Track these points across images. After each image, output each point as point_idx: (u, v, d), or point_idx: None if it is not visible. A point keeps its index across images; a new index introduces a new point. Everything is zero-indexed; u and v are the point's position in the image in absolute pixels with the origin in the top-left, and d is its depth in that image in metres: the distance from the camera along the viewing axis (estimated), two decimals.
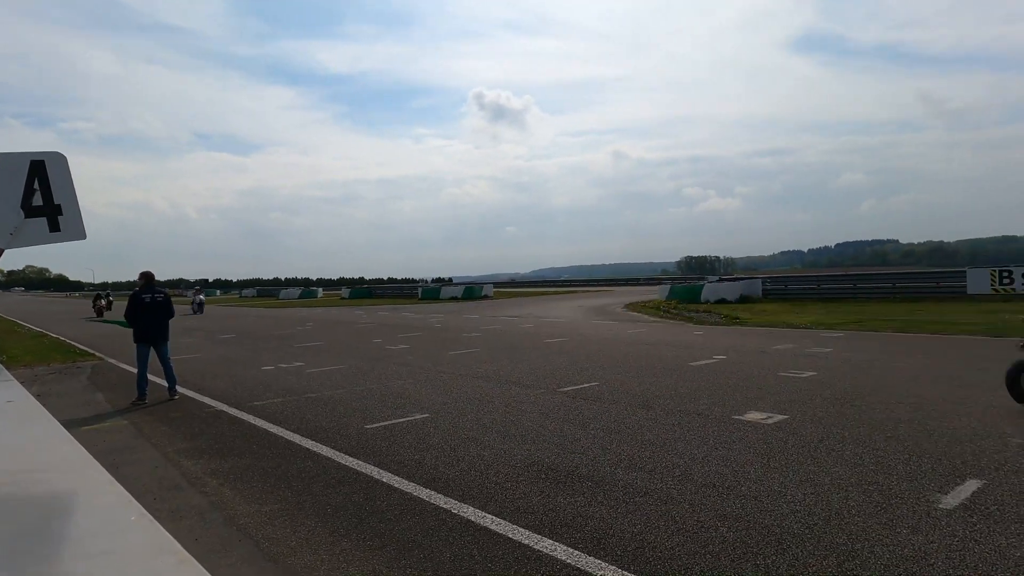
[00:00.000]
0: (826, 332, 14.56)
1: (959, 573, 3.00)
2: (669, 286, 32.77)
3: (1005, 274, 23.10)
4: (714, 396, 7.36)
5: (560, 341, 14.39)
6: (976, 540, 3.34)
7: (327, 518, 4.02)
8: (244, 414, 7.34)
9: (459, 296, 44.67)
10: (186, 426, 6.93)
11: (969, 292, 23.27)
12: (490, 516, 3.92)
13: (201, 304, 34.04)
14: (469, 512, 4.00)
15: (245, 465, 5.30)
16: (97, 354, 14.22)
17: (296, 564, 3.39)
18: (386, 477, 4.77)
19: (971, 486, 4.12)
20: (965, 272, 24.54)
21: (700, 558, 3.26)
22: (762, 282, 29.86)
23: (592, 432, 5.91)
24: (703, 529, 3.61)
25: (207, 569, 0.99)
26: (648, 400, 7.25)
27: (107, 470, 1.50)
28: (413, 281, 79.20)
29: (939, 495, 3.99)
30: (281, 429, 6.48)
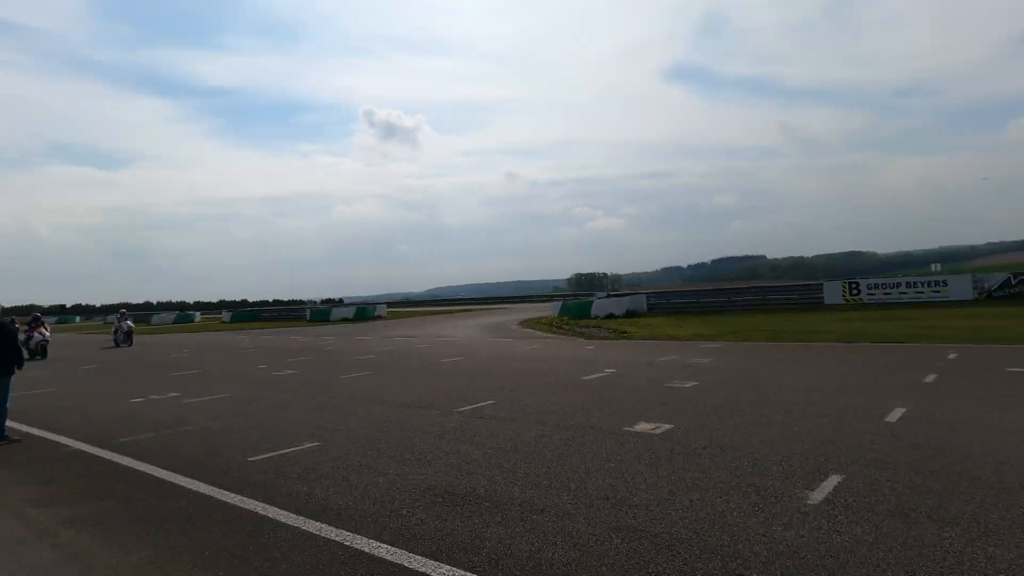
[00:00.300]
0: (705, 343, 15.52)
1: (825, 563, 3.26)
2: (561, 303, 33.70)
3: (854, 286, 25.89)
4: (605, 409, 7.59)
5: (456, 360, 14.31)
6: (838, 531, 3.64)
7: (206, 562, 3.69)
8: (108, 452, 6.64)
9: (351, 317, 43.34)
10: (34, 471, 6.16)
11: (826, 302, 25.81)
12: (384, 545, 3.77)
13: (129, 333, 25.90)
14: (362, 543, 3.83)
15: (108, 509, 4.78)
16: None
17: None
18: (272, 512, 4.47)
19: (832, 481, 4.51)
20: (822, 285, 27.21)
21: (596, 571, 3.31)
22: (647, 297, 31.44)
23: (489, 451, 5.89)
24: (599, 542, 3.68)
25: None
26: (543, 416, 7.35)
27: None
28: (301, 303, 75.80)
29: (807, 491, 4.33)
30: (152, 467, 5.91)
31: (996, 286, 23.47)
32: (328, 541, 3.90)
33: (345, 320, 42.24)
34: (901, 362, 10.53)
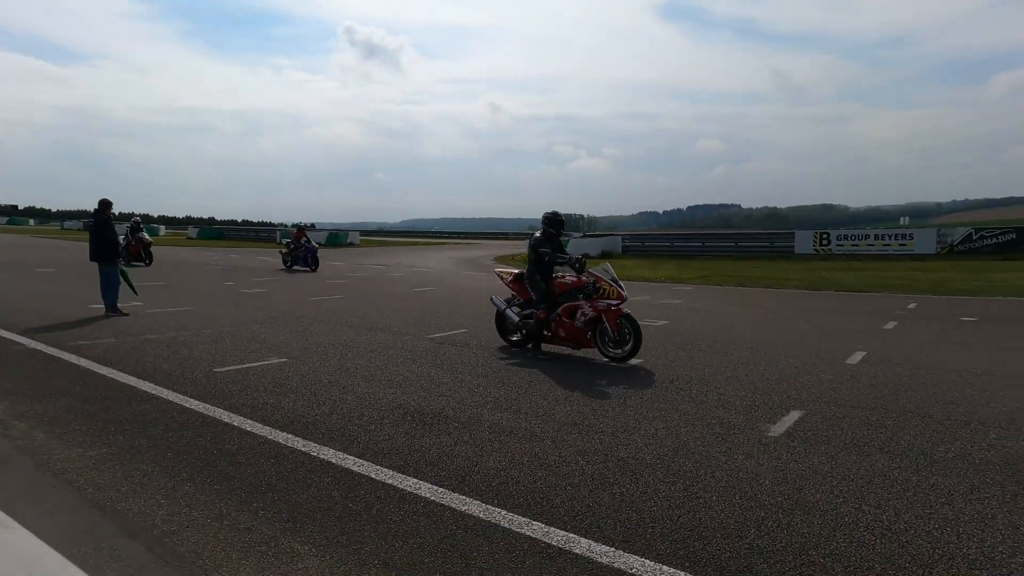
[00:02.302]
0: (678, 286, 15.67)
1: (782, 489, 3.35)
2: None
3: (824, 236, 26.32)
4: None
5: (429, 290, 14.23)
6: (796, 461, 3.75)
7: (167, 462, 3.65)
8: (66, 353, 6.47)
9: (322, 243, 42.64)
10: None
11: (797, 252, 26.18)
12: (352, 457, 3.77)
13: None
14: (330, 454, 3.82)
15: (65, 407, 4.67)
16: None
17: (127, 509, 3.04)
18: (237, 420, 4.43)
19: (793, 416, 4.63)
20: (793, 234, 27.57)
21: (561, 490, 3.35)
22: (622, 239, 31.52)
23: (459, 376, 5.89)
24: (564, 463, 3.73)
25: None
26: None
27: None
28: (271, 225, 74.09)
29: (769, 425, 4.44)
30: (112, 371, 5.79)
31: (958, 240, 24.12)
32: (294, 451, 3.88)
33: (317, 245, 41.59)
34: (864, 310, 10.82)
